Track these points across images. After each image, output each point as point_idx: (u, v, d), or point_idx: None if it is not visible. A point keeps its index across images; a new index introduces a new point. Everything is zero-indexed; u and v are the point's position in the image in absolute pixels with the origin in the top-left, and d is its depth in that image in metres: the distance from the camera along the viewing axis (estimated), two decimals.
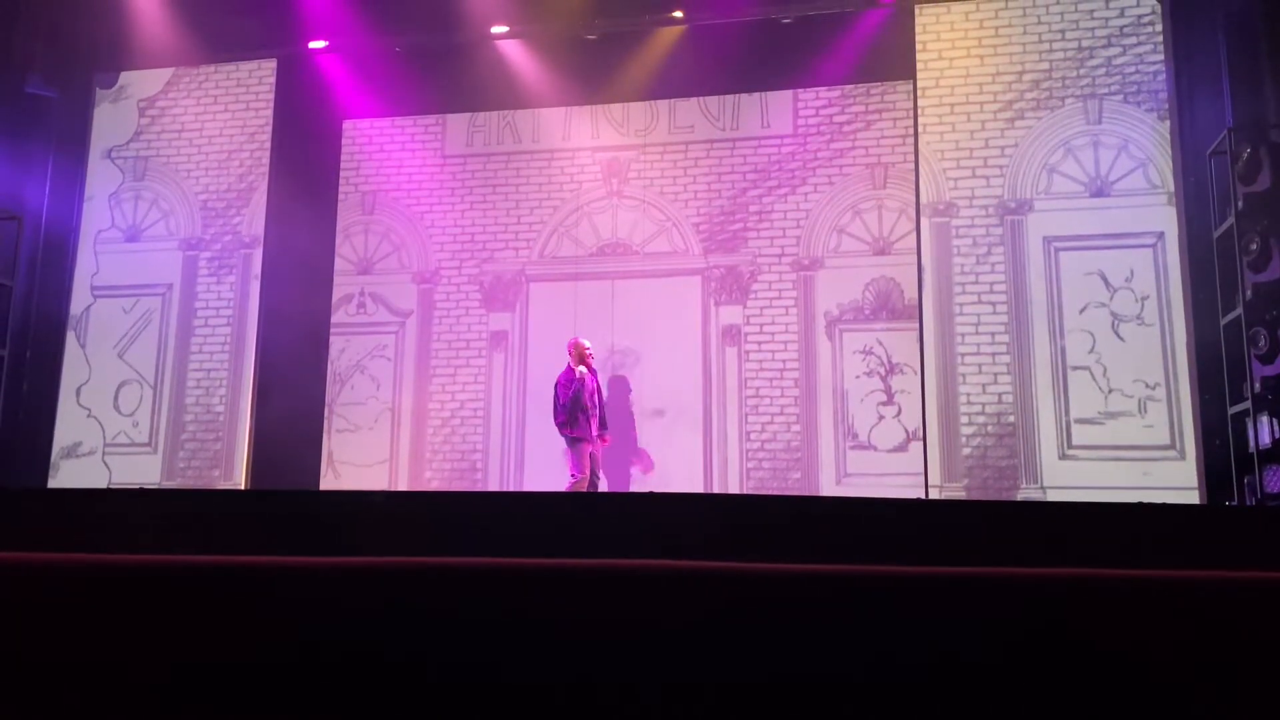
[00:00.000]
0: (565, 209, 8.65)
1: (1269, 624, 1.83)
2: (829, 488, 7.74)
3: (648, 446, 8.12)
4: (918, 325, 7.66)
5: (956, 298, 7.56)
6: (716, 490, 7.86)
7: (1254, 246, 6.21)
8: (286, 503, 4.73)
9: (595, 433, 7.30)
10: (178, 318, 8.82)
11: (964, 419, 7.38)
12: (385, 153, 9.07)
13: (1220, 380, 6.53)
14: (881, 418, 7.79)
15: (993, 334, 7.47)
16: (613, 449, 7.81)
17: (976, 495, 7.18)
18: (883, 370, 7.85)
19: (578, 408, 7.22)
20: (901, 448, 7.68)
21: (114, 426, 8.68)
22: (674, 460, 8.07)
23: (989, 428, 7.33)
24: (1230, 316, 6.42)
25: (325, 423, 8.66)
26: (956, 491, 7.26)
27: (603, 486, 7.42)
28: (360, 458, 8.57)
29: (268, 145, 8.91)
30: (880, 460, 7.71)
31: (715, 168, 8.43)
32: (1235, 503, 6.29)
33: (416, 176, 8.97)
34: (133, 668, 1.96)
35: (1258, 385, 6.14)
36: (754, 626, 1.93)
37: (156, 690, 1.95)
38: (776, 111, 8.40)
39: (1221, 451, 6.56)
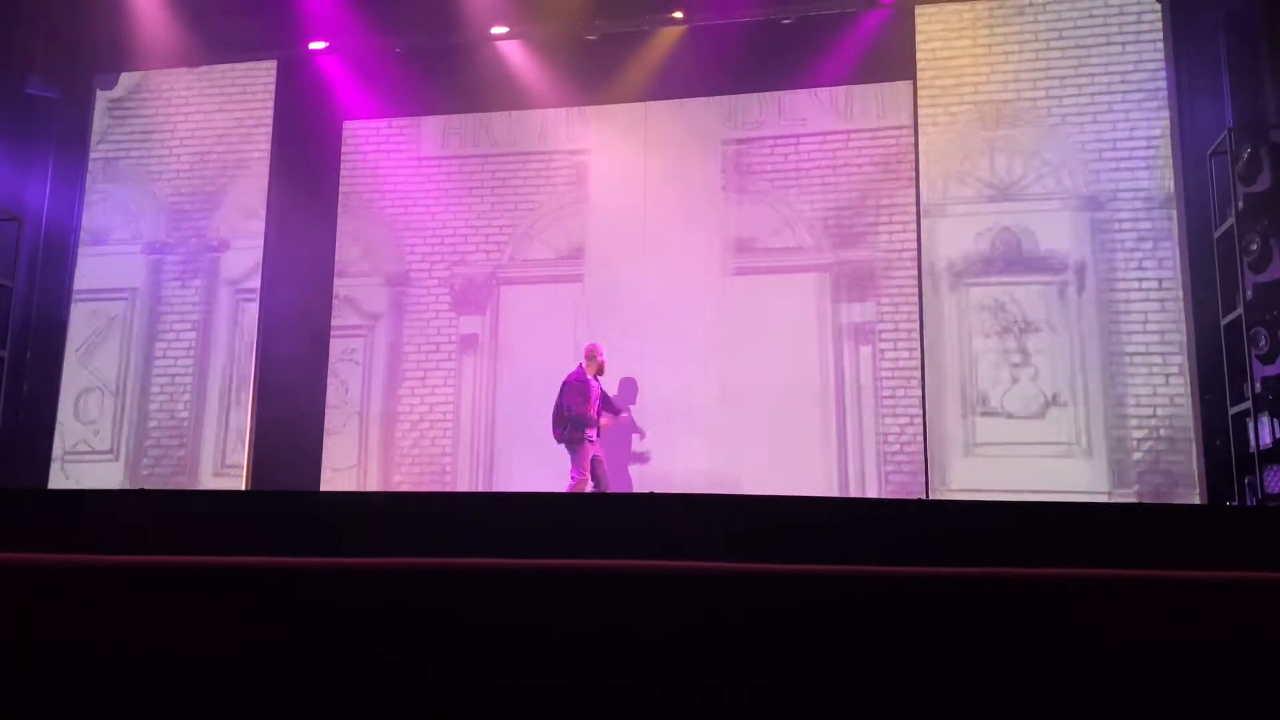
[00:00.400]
0: (551, 210, 8.61)
1: (1269, 624, 1.83)
2: (955, 461, 7.32)
3: (753, 447, 7.81)
4: (919, 329, 7.63)
5: (1120, 293, 7.24)
6: (853, 492, 7.62)
7: (1254, 247, 6.21)
8: (286, 503, 4.73)
9: (595, 435, 7.35)
10: (142, 323, 8.77)
11: (1133, 422, 7.03)
12: (381, 153, 9.02)
13: (1221, 380, 6.53)
14: (1015, 380, 7.30)
15: (1162, 333, 7.17)
16: (615, 451, 7.81)
17: (1149, 500, 6.82)
18: (1017, 328, 7.35)
19: (586, 416, 7.29)
20: (1039, 414, 7.18)
21: (74, 435, 8.62)
22: (795, 458, 7.75)
23: (1161, 431, 6.98)
24: (1231, 317, 6.42)
25: (324, 424, 8.63)
26: (1127, 497, 6.91)
27: (608, 488, 7.45)
28: (330, 461, 8.52)
29: (236, 147, 8.88)
30: (1013, 428, 7.24)
31: (830, 160, 8.12)
32: (1236, 503, 6.29)
33: (397, 177, 8.91)
34: (132, 668, 1.96)
35: (1258, 385, 6.14)
36: (755, 627, 1.93)
37: (156, 690, 1.95)
38: (892, 102, 8.08)
39: (1222, 451, 6.56)
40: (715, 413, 7.96)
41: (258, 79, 9.03)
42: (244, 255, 8.83)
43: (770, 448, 7.78)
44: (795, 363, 7.91)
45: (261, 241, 8.77)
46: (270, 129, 8.87)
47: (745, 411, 7.89)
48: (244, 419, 8.52)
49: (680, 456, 7.99)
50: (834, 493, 7.58)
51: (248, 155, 8.91)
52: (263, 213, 8.81)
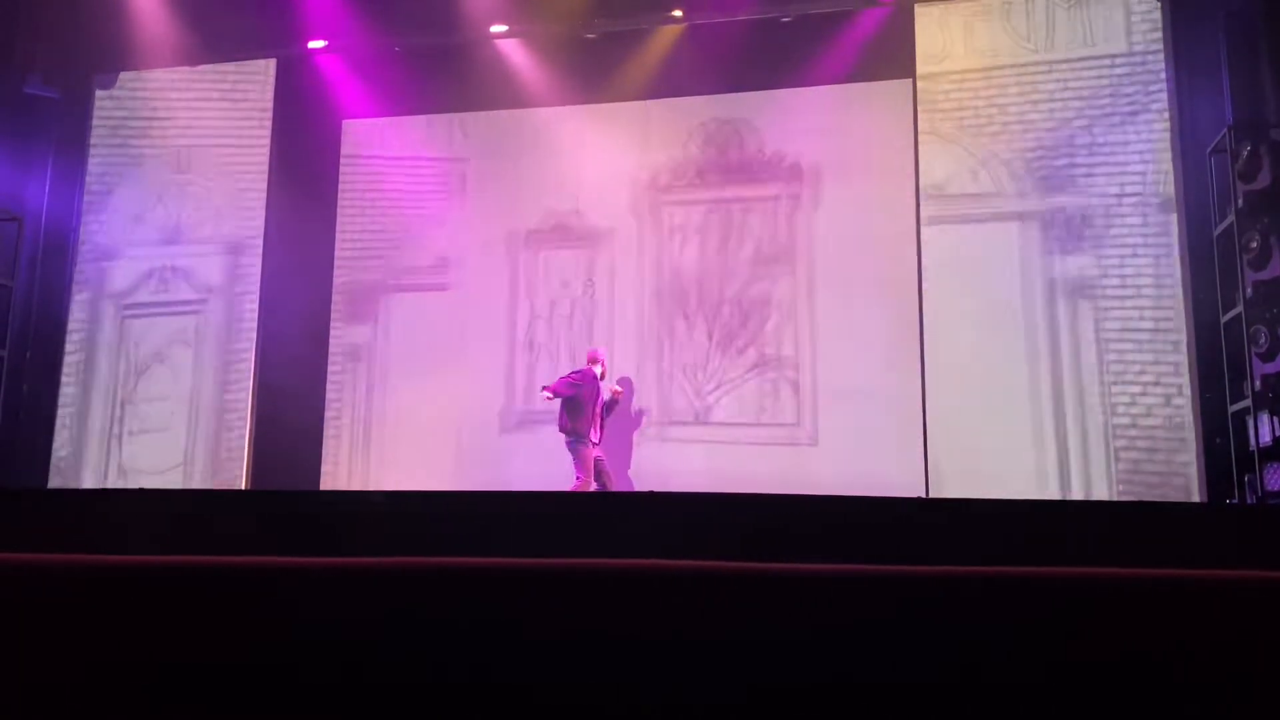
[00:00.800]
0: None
1: (1269, 623, 1.83)
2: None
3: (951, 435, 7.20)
4: (918, 328, 7.60)
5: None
6: (1074, 481, 6.96)
7: (1254, 245, 6.21)
8: (286, 503, 4.73)
9: (597, 438, 7.42)
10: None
11: None
12: (386, 154, 9.03)
13: (1221, 378, 6.53)
14: None
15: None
16: (616, 451, 7.84)
17: None
18: None
19: (580, 408, 7.35)
20: None
21: None
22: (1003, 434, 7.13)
23: None
24: (1231, 314, 6.42)
25: (324, 424, 8.62)
26: None
27: (612, 489, 7.50)
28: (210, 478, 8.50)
29: (122, 149, 8.85)
30: None
31: (1029, 95, 7.46)
32: (1236, 501, 6.29)
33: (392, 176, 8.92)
34: (132, 668, 1.96)
35: (1258, 383, 6.14)
36: (756, 627, 1.93)
37: (156, 690, 1.95)
38: (1104, 26, 7.33)
39: (1222, 449, 6.56)
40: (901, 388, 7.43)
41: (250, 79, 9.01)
42: (130, 266, 8.75)
43: (972, 424, 7.21)
44: (999, 322, 7.28)
45: (144, 251, 8.75)
46: (270, 128, 8.86)
47: (944, 386, 7.30)
48: (123, 456, 8.39)
49: (860, 433, 7.49)
50: (1052, 474, 6.94)
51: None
52: (152, 219, 8.77)
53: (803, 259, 7.90)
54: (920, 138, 7.69)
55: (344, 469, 8.45)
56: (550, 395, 7.38)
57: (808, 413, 7.71)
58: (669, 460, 7.94)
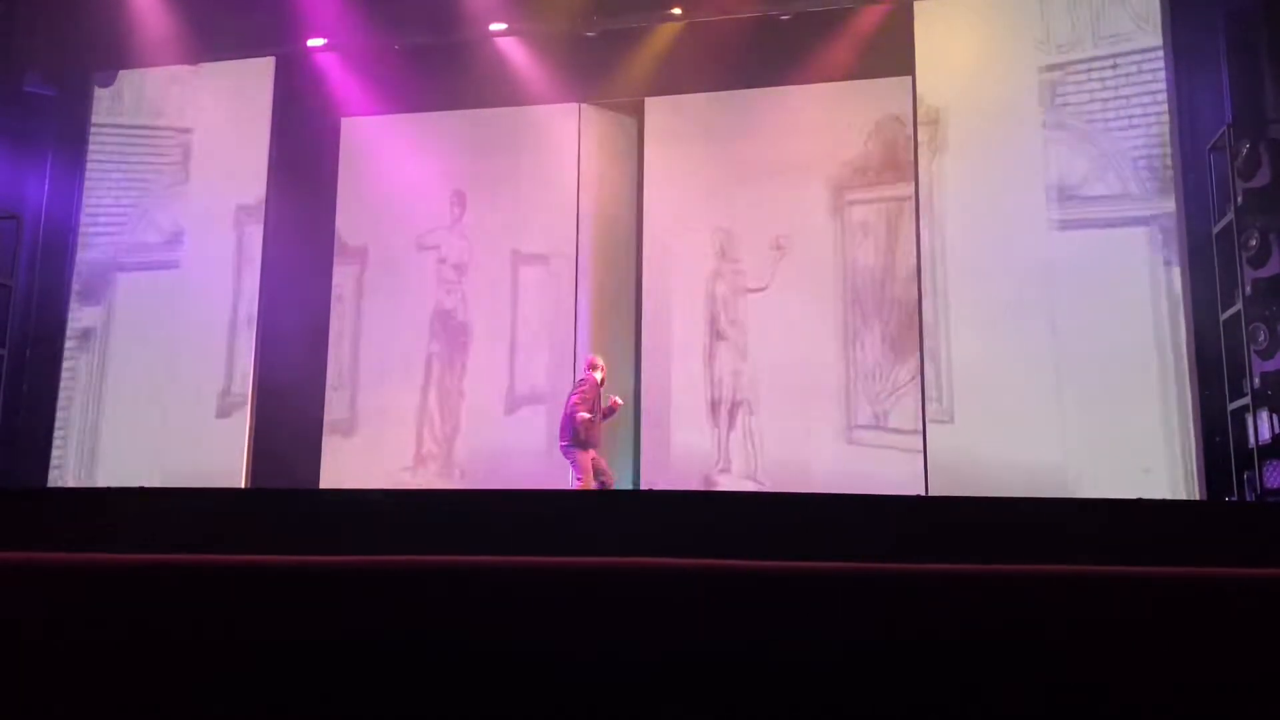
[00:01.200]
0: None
1: (1269, 623, 1.83)
2: None
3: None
4: (918, 331, 7.59)
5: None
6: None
7: (1253, 242, 6.22)
8: (286, 502, 4.74)
9: (595, 440, 7.44)
10: None
11: None
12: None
13: (1220, 376, 6.53)
14: None
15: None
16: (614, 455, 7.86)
17: None
18: None
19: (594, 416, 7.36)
20: None
21: None
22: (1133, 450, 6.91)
23: None
24: (1230, 312, 6.43)
25: (324, 424, 8.61)
26: None
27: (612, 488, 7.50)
28: None
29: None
30: None
31: (1161, 85, 7.12)
32: (1235, 499, 6.30)
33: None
34: (132, 668, 1.96)
35: (1257, 381, 6.14)
36: (755, 626, 1.93)
37: (156, 691, 1.95)
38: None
39: (1221, 447, 6.56)
40: (1029, 394, 7.21)
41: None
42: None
43: (1101, 435, 6.97)
44: (1125, 333, 7.06)
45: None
46: (270, 126, 8.85)
47: (1066, 392, 7.10)
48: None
49: (989, 443, 7.22)
50: (1195, 496, 6.72)
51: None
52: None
53: (952, 259, 7.62)
54: (1050, 133, 7.43)
55: (70, 467, 8.50)
56: (589, 416, 7.24)
57: (963, 419, 7.44)
58: (856, 463, 7.62)
